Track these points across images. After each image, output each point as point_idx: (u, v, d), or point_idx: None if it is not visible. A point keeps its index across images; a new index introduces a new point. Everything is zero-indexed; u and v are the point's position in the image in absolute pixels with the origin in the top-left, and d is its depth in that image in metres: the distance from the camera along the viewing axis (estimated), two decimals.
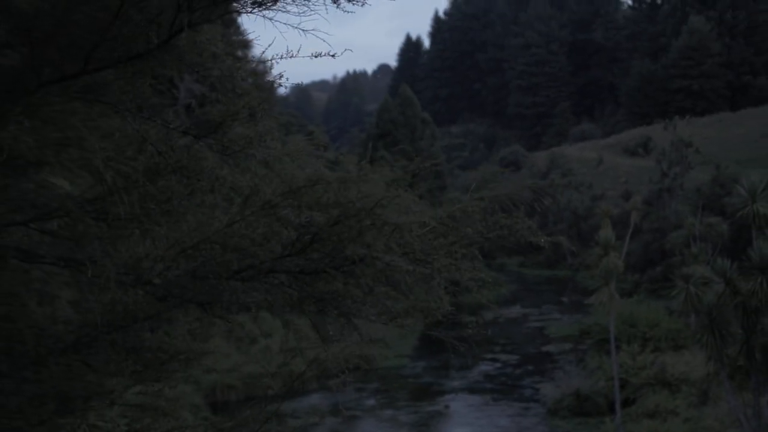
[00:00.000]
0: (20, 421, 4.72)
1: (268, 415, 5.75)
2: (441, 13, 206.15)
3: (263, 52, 4.68)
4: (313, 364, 5.59)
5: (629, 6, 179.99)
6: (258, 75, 4.54)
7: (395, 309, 4.80)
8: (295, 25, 4.40)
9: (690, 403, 37.65)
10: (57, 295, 4.89)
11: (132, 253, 4.43)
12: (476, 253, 4.92)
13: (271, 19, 4.40)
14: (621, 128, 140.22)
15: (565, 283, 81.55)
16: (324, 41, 4.40)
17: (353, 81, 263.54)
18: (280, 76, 4.59)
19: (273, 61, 4.50)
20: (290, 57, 4.59)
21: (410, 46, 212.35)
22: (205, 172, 4.67)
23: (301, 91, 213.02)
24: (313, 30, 4.25)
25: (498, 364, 51.69)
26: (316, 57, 4.52)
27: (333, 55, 4.49)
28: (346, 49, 4.51)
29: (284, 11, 4.37)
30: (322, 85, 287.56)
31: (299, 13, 4.35)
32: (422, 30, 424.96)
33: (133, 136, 4.66)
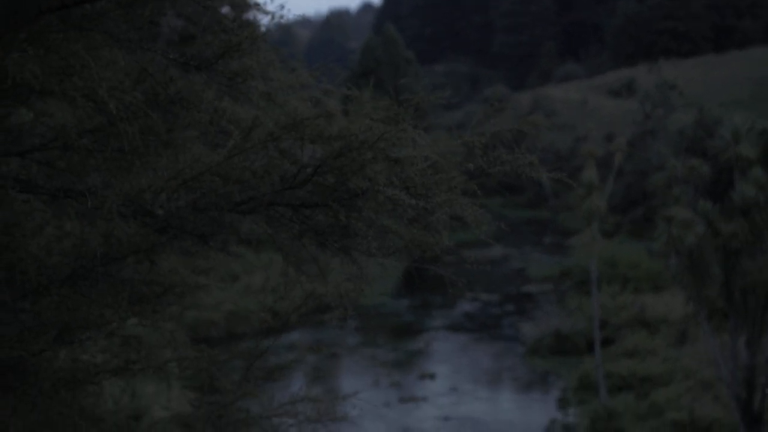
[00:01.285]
0: (19, 350, 4.73)
1: (264, 349, 5.78)
2: None
3: None
4: (309, 297, 5.61)
5: None
6: (259, 6, 4.49)
7: (395, 244, 4.81)
8: None
9: (668, 344, 38.12)
10: (56, 226, 4.88)
11: (133, 184, 4.40)
12: (476, 189, 4.92)
13: None
14: (606, 69, 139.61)
15: (546, 224, 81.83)
16: None
17: (336, 18, 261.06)
18: (282, 6, 4.54)
19: None
20: None
21: None
22: (205, 104, 4.64)
23: (283, 27, 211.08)
24: None
25: (478, 304, 52.04)
26: None
27: None
28: None
29: None
30: (304, 22, 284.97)
31: None
32: None
33: (132, 67, 4.61)
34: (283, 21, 4.84)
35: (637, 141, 75.44)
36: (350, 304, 5.10)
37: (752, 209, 28.06)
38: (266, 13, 4.44)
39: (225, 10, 5.02)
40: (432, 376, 38.47)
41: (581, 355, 38.67)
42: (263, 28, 4.68)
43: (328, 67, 5.23)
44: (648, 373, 34.84)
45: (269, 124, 4.46)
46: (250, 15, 4.54)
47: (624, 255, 52.69)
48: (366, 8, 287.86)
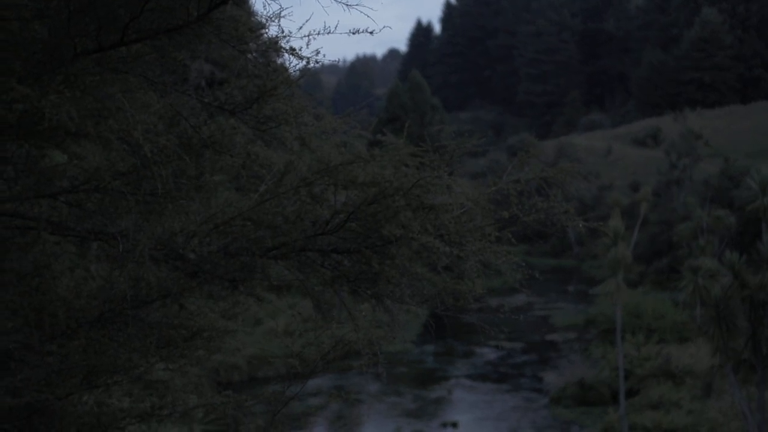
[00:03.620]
0: (46, 393, 4.69)
1: (291, 396, 5.71)
2: None
3: (299, 28, 4.60)
4: (338, 344, 5.55)
5: None
6: (294, 51, 4.47)
7: (428, 291, 4.75)
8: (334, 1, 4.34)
9: (694, 396, 37.67)
10: (86, 269, 4.85)
11: (165, 228, 4.37)
12: (510, 237, 4.86)
13: None
14: (631, 119, 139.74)
15: (571, 272, 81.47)
16: (369, 17, 4.33)
17: (363, 65, 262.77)
18: (317, 52, 4.52)
19: (310, 37, 4.43)
20: (327, 33, 4.53)
21: (420, 32, 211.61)
22: (237, 148, 4.62)
23: (310, 74, 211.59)
24: (357, 5, 4.19)
25: (502, 352, 51.72)
26: (354, 34, 4.46)
27: (371, 32, 4.43)
28: (384, 26, 4.43)
29: None
30: (330, 68, 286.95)
31: None
32: (433, 15, 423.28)
33: (166, 110, 4.61)
34: (315, 66, 4.82)
35: (663, 190, 75.22)
36: (380, 350, 5.04)
37: None
38: (301, 58, 4.42)
39: (254, 55, 5.03)
40: (454, 425, 38.14)
41: (605, 405, 38.26)
42: (296, 73, 4.67)
43: (356, 113, 5.21)
44: (673, 426, 34.39)
45: (302, 169, 4.44)
46: (280, 59, 4.52)
47: (649, 305, 52.31)
48: (392, 55, 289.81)
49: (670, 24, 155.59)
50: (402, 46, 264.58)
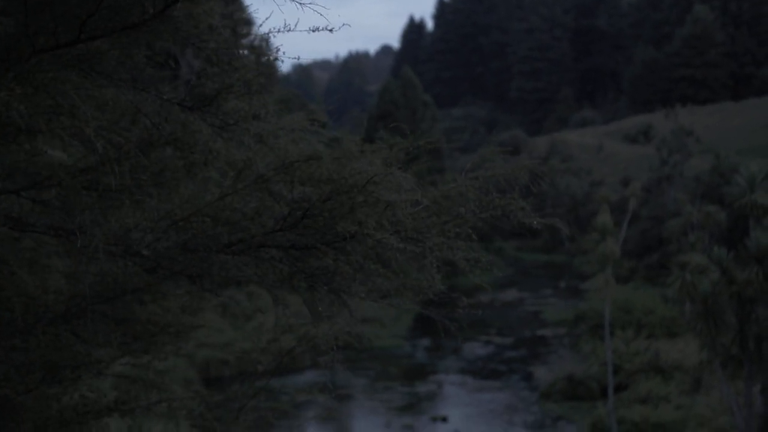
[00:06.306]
0: (7, 389, 4.72)
1: (256, 391, 5.75)
2: None
3: (260, 26, 4.64)
4: (303, 340, 5.59)
5: None
6: (257, 50, 4.50)
7: (386, 287, 4.79)
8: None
9: (682, 391, 37.80)
10: (47, 265, 4.88)
11: (122, 224, 4.41)
12: (470, 233, 4.90)
13: None
14: (622, 115, 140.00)
15: (562, 268, 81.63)
16: (323, 16, 4.37)
17: (355, 61, 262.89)
18: (277, 50, 4.55)
19: (271, 35, 4.45)
20: (288, 31, 4.55)
21: (413, 28, 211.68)
22: (199, 145, 4.65)
23: (302, 69, 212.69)
24: (311, 3, 4.22)
25: (492, 347, 51.86)
26: (313, 31, 4.48)
27: (331, 30, 4.45)
28: (344, 24, 4.47)
29: None
30: (324, 64, 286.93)
31: None
32: (425, 12, 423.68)
33: (128, 107, 4.64)
34: (301, 62, 4.86)
35: (653, 187, 75.36)
36: (356, 344, 5.08)
37: (767, 257, 27.89)
38: (262, 56, 4.46)
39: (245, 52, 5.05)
40: (444, 419, 38.25)
41: (594, 400, 38.38)
42: (254, 72, 4.69)
43: (346, 109, 5.24)
44: (661, 420, 34.53)
45: (260, 166, 4.48)
46: (242, 56, 4.55)
47: (639, 300, 52.49)
48: (385, 51, 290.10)
49: (662, 21, 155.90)
50: (395, 43, 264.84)
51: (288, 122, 4.78)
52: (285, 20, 4.57)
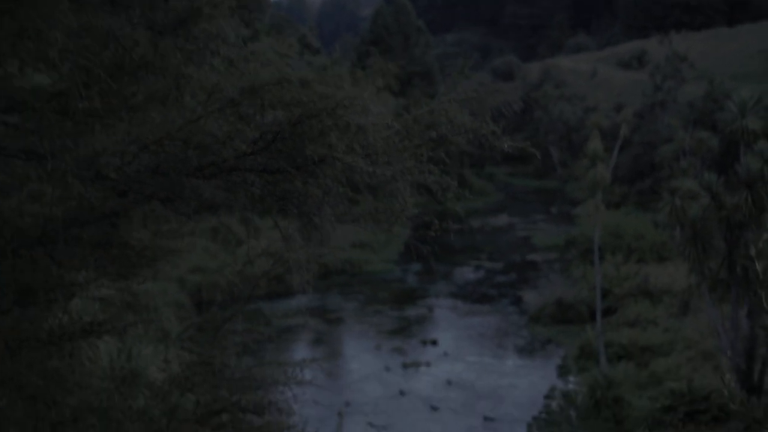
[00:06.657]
0: None
1: (232, 314, 5.80)
2: None
3: None
4: (276, 263, 5.62)
5: None
6: None
7: (356, 211, 4.81)
8: None
9: (670, 314, 38.15)
10: (20, 188, 4.90)
11: (93, 148, 4.41)
12: (443, 156, 4.91)
13: None
14: (616, 41, 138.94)
15: (554, 193, 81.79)
16: None
17: None
18: None
19: None
20: None
21: None
22: (170, 69, 4.63)
23: None
24: None
25: (482, 272, 52.20)
26: None
27: None
28: None
29: None
30: None
31: None
32: None
33: (99, 32, 4.61)
34: None
35: (647, 113, 75.09)
36: (312, 269, 5.11)
37: (757, 182, 27.92)
38: None
39: None
40: (434, 342, 38.65)
41: (583, 323, 38.76)
42: None
43: (339, 34, 5.21)
44: (649, 343, 34.95)
45: (230, 89, 4.47)
46: None
47: (629, 225, 52.72)
48: None
49: None
50: None
51: (259, 46, 4.76)
52: None
